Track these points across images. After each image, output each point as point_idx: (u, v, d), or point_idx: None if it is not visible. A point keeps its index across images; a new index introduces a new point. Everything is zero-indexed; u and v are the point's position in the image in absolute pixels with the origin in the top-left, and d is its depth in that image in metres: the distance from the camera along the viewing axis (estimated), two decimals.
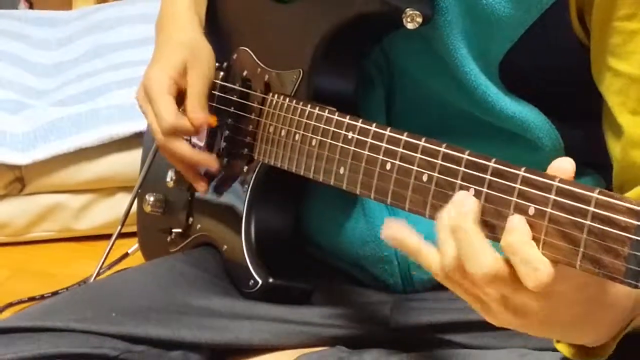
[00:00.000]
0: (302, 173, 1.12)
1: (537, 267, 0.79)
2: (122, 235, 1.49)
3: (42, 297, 1.78)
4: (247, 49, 1.29)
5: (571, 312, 0.85)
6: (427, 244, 0.86)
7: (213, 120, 1.24)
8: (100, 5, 2.74)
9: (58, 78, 2.41)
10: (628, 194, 1.02)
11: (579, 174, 0.83)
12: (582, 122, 1.11)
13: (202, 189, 1.28)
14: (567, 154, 1.08)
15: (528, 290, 0.81)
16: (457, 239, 0.83)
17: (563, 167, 0.82)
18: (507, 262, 0.81)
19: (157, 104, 1.22)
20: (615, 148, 1.04)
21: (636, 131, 1.01)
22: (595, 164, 1.09)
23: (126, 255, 1.67)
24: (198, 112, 1.21)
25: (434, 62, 1.11)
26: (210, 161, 1.24)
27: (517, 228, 0.80)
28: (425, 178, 0.92)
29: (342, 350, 1.15)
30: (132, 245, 1.60)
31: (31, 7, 3.15)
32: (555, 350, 1.01)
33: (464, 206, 0.84)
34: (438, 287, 1.15)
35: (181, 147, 1.23)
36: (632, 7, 1.00)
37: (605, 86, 1.04)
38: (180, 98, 1.24)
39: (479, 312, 0.87)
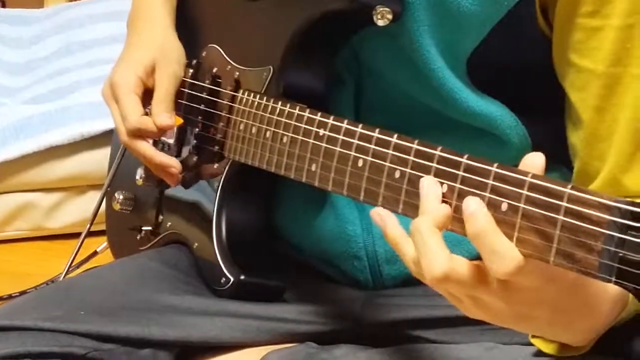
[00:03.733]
0: (272, 170, 1.12)
1: (503, 254, 0.79)
2: (92, 234, 1.48)
3: (10, 296, 1.77)
4: (217, 46, 1.28)
5: (546, 308, 0.85)
6: (406, 239, 0.86)
7: (178, 122, 1.23)
8: (72, 3, 2.73)
9: (29, 76, 2.40)
10: (593, 186, 1.02)
11: (547, 169, 0.83)
12: (550, 118, 1.11)
13: (173, 184, 1.27)
14: (535, 150, 1.09)
15: (491, 288, 0.81)
16: (414, 241, 0.83)
17: (534, 162, 0.82)
18: (462, 263, 0.81)
19: (122, 103, 1.22)
20: (577, 143, 1.05)
21: (600, 126, 1.02)
22: (563, 159, 1.09)
23: (95, 253, 1.66)
24: (162, 115, 1.21)
25: (401, 59, 1.11)
26: (171, 163, 1.23)
27: (475, 215, 0.80)
28: (397, 175, 0.91)
29: (311, 346, 1.15)
30: (102, 243, 1.59)
31: (3, 5, 3.14)
32: (522, 344, 1.01)
33: (424, 207, 0.85)
34: (408, 283, 1.17)
35: (143, 148, 1.22)
36: (594, 4, 1.00)
37: (568, 82, 1.05)
38: (147, 96, 1.24)
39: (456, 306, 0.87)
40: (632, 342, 0.97)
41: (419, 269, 0.84)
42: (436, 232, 0.83)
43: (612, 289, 0.87)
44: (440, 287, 0.84)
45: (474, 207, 0.81)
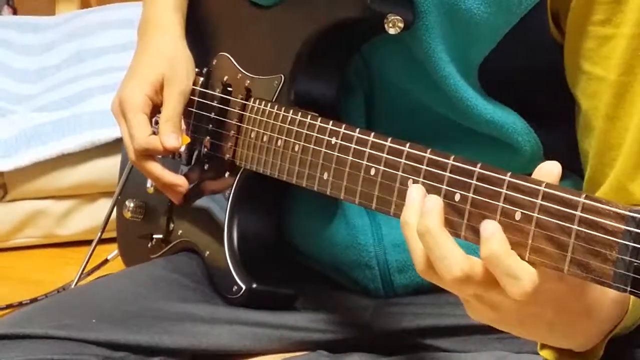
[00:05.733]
0: (284, 178, 1.12)
1: (519, 276, 0.78)
2: (103, 241, 1.49)
3: (21, 303, 1.77)
4: (228, 55, 1.28)
5: (552, 307, 0.84)
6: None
7: (185, 141, 1.25)
8: (83, 11, 2.73)
9: (40, 84, 2.40)
10: (599, 192, 1.02)
11: (560, 177, 0.82)
12: (561, 125, 1.11)
13: (176, 202, 1.28)
14: (547, 157, 1.09)
15: (501, 289, 0.80)
16: (424, 242, 0.83)
17: (550, 170, 0.81)
18: (477, 262, 0.81)
19: (131, 123, 1.23)
20: (588, 150, 1.04)
21: (611, 134, 1.01)
22: (575, 167, 1.09)
23: (106, 261, 1.67)
24: (169, 136, 1.22)
25: (413, 67, 1.11)
26: (179, 182, 1.25)
27: (493, 237, 0.80)
28: (410, 183, 0.91)
29: (323, 355, 1.15)
30: (113, 251, 1.59)
31: (15, 12, 3.14)
32: (533, 353, 1.01)
33: (427, 208, 0.84)
34: (419, 291, 1.17)
35: (151, 167, 1.24)
36: (606, 13, 1.00)
37: (579, 90, 1.05)
38: (156, 111, 1.26)
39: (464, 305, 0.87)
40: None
41: (430, 269, 0.83)
42: (444, 229, 0.83)
43: (611, 292, 0.87)
44: (457, 288, 0.83)
45: (492, 229, 0.80)
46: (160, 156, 1.26)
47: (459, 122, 1.13)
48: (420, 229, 0.83)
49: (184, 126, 1.27)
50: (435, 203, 0.84)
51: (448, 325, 1.15)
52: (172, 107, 1.24)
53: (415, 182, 0.90)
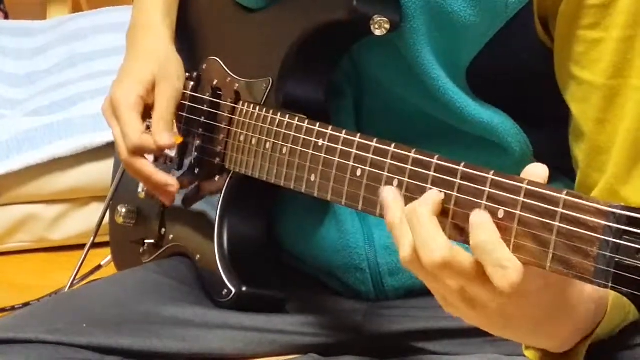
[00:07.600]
0: (273, 181, 1.12)
1: (506, 266, 0.78)
2: (96, 245, 1.49)
3: (13, 308, 1.77)
4: (217, 59, 1.28)
5: (534, 313, 0.84)
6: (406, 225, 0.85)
7: (178, 140, 1.24)
8: (74, 15, 2.73)
9: (32, 88, 2.40)
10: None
11: (550, 180, 0.82)
12: (551, 127, 1.11)
13: (167, 203, 1.27)
14: (537, 159, 1.09)
15: (484, 283, 0.80)
16: (411, 226, 0.83)
17: (536, 172, 0.82)
18: (462, 253, 0.81)
19: (123, 121, 1.22)
20: (579, 154, 1.05)
21: (600, 138, 1.01)
22: (565, 169, 1.09)
23: (99, 267, 1.67)
24: (162, 134, 1.21)
25: (401, 69, 1.11)
26: (170, 182, 1.23)
27: (482, 226, 0.80)
28: (395, 184, 0.92)
29: (314, 358, 1.15)
30: (106, 255, 1.59)
31: (6, 17, 3.14)
32: (525, 355, 1.01)
33: (424, 197, 0.85)
34: (410, 294, 1.17)
35: (143, 166, 1.23)
36: (595, 16, 1.00)
37: (569, 94, 1.05)
38: (147, 111, 1.25)
39: (438, 301, 0.86)
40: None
41: (414, 257, 0.83)
42: (434, 218, 0.83)
43: (586, 291, 0.87)
44: (437, 278, 0.83)
45: (482, 219, 0.80)
46: (152, 161, 1.25)
47: (448, 122, 1.13)
48: (409, 212, 0.83)
49: (175, 130, 1.27)
50: (433, 194, 0.85)
51: (440, 328, 1.15)
52: (165, 106, 1.24)
53: (400, 182, 0.91)
